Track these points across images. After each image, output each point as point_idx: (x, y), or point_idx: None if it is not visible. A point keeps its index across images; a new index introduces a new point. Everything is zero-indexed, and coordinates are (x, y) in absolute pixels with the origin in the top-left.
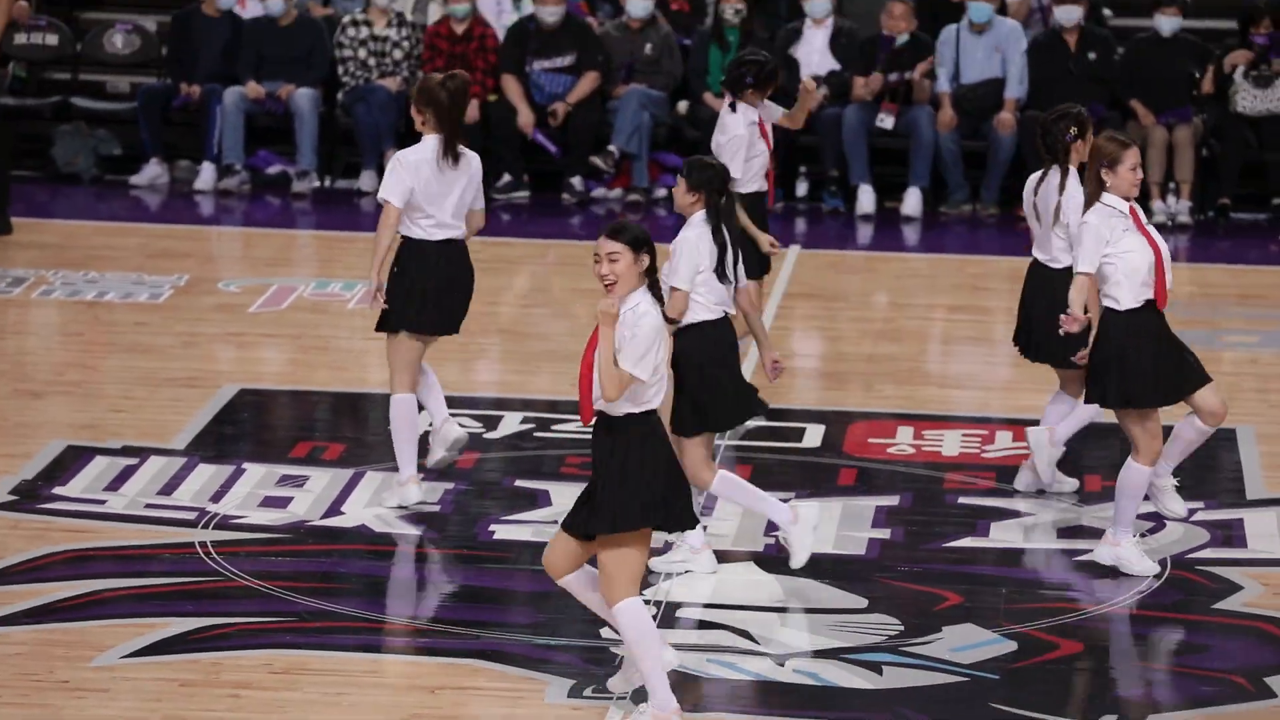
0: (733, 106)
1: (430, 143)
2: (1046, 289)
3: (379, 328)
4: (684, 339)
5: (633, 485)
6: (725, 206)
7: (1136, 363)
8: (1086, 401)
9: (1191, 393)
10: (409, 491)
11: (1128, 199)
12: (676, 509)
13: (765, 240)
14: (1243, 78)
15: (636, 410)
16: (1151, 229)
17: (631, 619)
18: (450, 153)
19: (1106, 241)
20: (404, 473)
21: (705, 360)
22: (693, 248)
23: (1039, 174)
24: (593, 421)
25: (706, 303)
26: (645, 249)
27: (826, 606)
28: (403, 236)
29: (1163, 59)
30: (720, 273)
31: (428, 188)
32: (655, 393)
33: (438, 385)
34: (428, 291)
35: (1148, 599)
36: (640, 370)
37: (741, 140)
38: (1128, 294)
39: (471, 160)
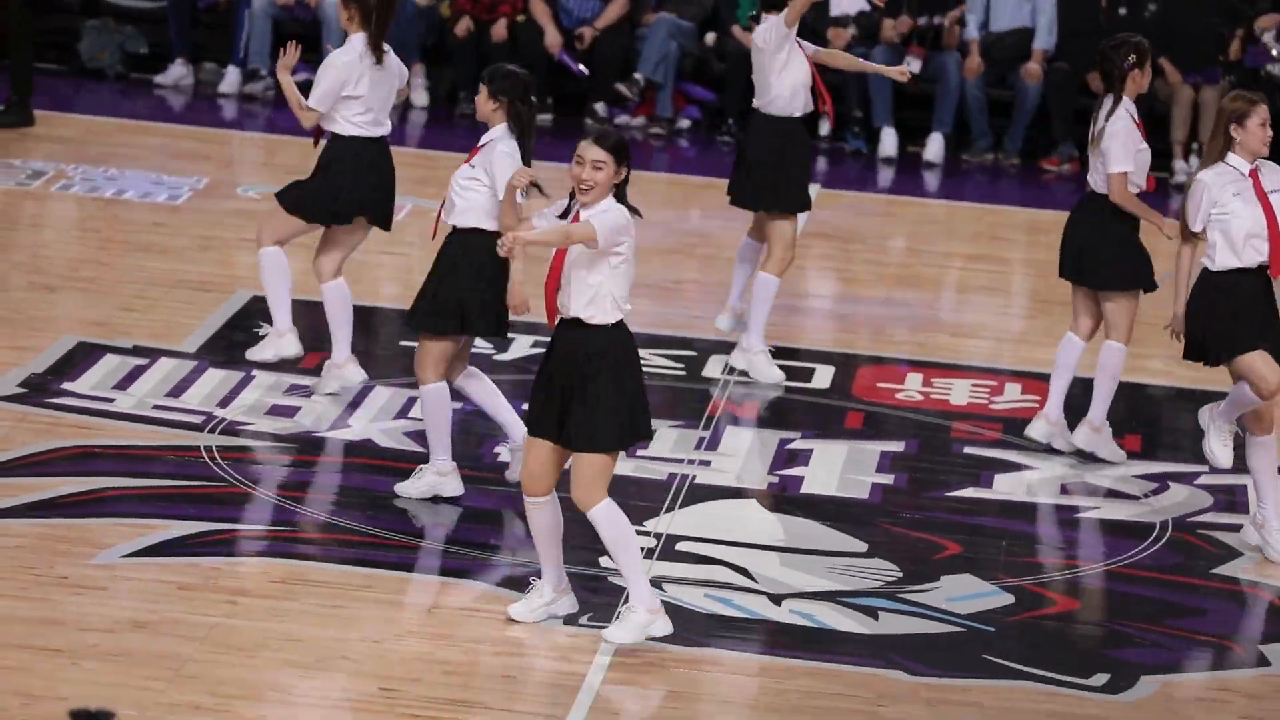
0: (757, 19)
1: (356, 41)
2: (1089, 214)
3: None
4: (472, 240)
5: (609, 405)
6: (527, 115)
7: (1244, 317)
8: (1190, 357)
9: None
10: (349, 372)
11: (1255, 157)
12: (642, 420)
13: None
14: (1275, 39)
15: (609, 321)
16: (1274, 198)
17: (609, 520)
18: (375, 52)
19: (1215, 202)
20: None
21: (483, 265)
22: (512, 160)
23: (1108, 101)
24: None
25: (494, 212)
26: (626, 161)
27: (826, 549)
28: (333, 134)
29: (1195, 17)
30: None
31: (360, 84)
32: (624, 300)
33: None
34: (354, 185)
35: (1147, 560)
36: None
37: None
38: (1228, 256)
39: (394, 62)
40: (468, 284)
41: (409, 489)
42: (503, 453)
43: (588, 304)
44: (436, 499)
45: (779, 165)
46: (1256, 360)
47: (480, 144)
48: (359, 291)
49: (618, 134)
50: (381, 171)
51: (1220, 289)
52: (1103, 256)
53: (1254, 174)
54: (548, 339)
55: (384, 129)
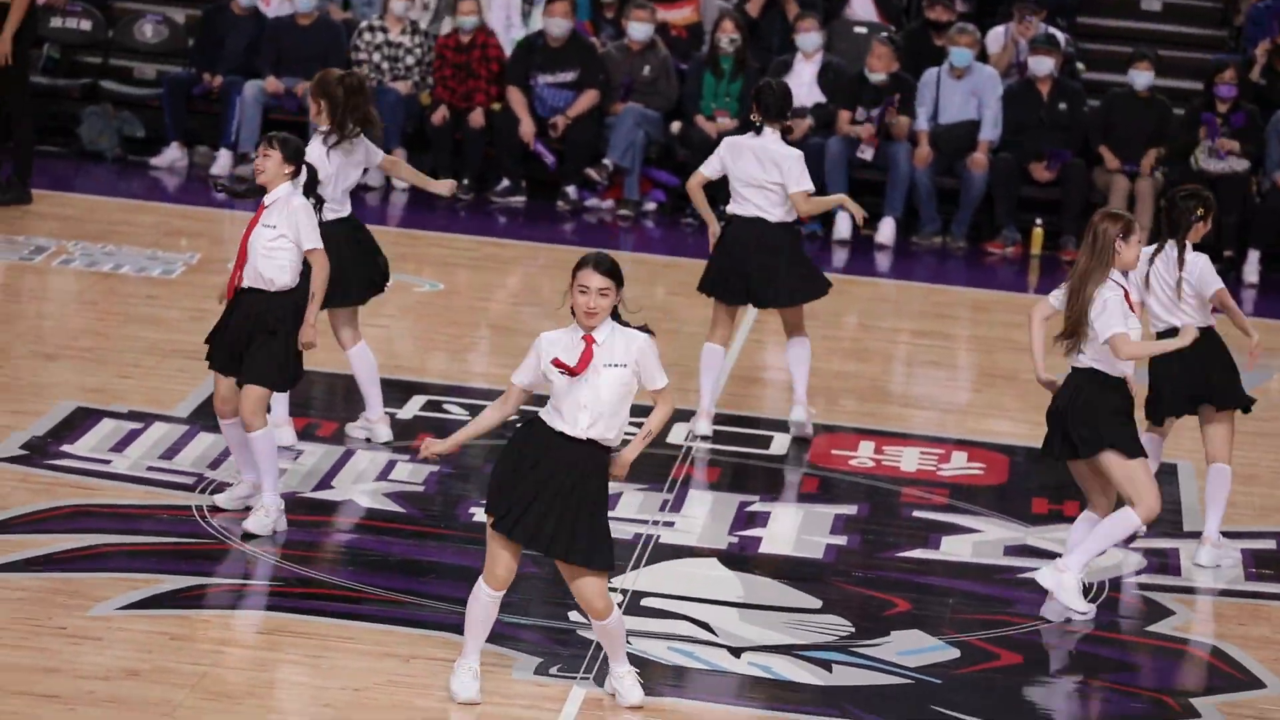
0: (758, 130)
1: (318, 139)
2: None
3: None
4: (287, 296)
5: (604, 521)
6: (310, 178)
7: (1128, 419)
8: (1060, 457)
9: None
10: (379, 430)
11: (1126, 273)
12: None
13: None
14: (1204, 139)
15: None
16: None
17: (619, 622)
18: (340, 141)
19: (1124, 315)
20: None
21: (297, 322)
22: (311, 212)
23: (1153, 248)
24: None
25: (297, 268)
26: (622, 282)
27: (783, 605)
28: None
29: (1134, 113)
30: None
31: (335, 174)
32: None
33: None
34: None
35: (1078, 617)
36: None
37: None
38: (1114, 364)
39: (362, 147)
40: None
41: (255, 527)
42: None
43: (617, 433)
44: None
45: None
46: (1138, 469)
47: (266, 204)
48: (343, 363)
49: (610, 258)
50: (362, 246)
51: (1112, 389)
52: (1223, 378)
53: (1125, 291)
54: (521, 408)
55: (344, 210)
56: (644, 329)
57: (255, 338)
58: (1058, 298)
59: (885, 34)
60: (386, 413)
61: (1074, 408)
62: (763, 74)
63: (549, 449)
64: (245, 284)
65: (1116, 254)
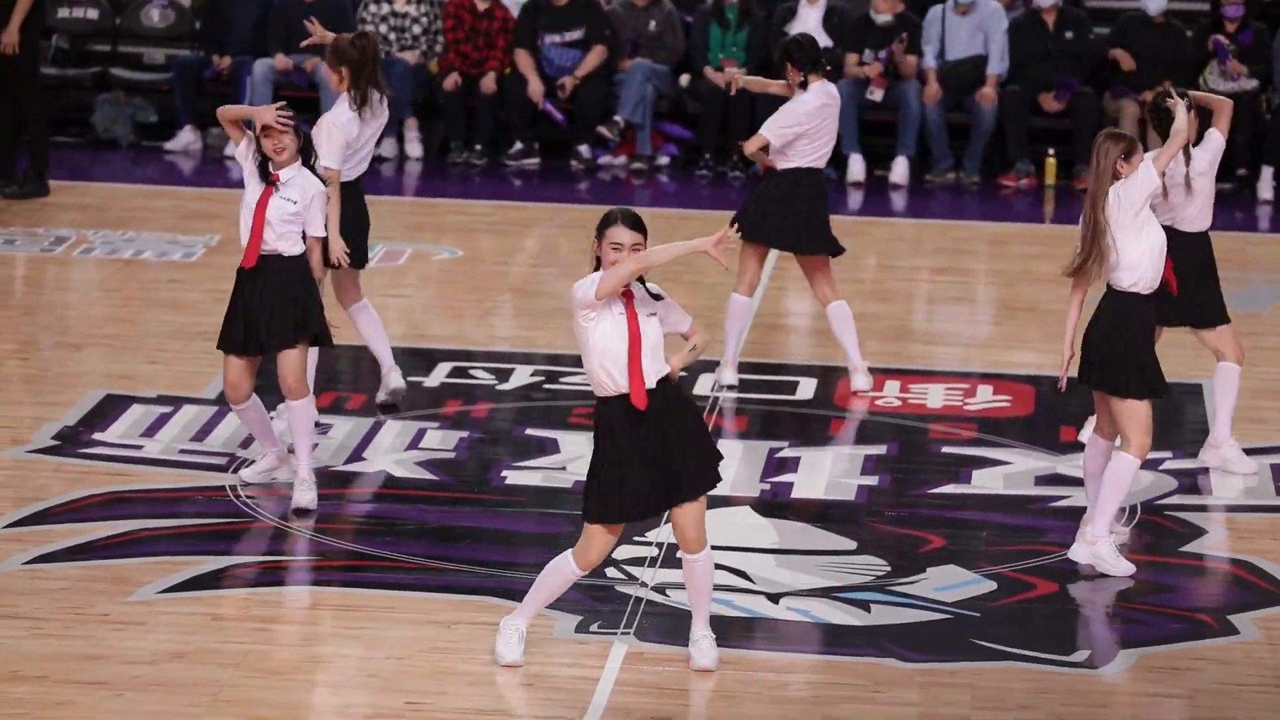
0: (804, 85)
1: (345, 100)
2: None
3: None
4: (303, 259)
5: (704, 443)
6: (306, 145)
7: (1143, 354)
8: (1084, 382)
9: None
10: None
11: None
12: None
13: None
14: (1214, 62)
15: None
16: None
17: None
18: (361, 106)
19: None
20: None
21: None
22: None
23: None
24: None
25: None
26: (646, 235)
27: (818, 548)
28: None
29: (1148, 38)
30: None
31: (357, 139)
32: None
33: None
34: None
35: (1119, 543)
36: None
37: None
38: (1130, 277)
39: (380, 110)
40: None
41: (306, 499)
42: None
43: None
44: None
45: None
46: (1139, 410)
47: (285, 180)
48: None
49: (635, 212)
50: (361, 215)
51: (1140, 313)
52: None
53: None
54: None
55: (362, 170)
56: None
57: (275, 306)
58: None
59: None
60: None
61: (1106, 344)
62: (768, 21)
63: (629, 422)
64: (268, 251)
65: (1120, 174)
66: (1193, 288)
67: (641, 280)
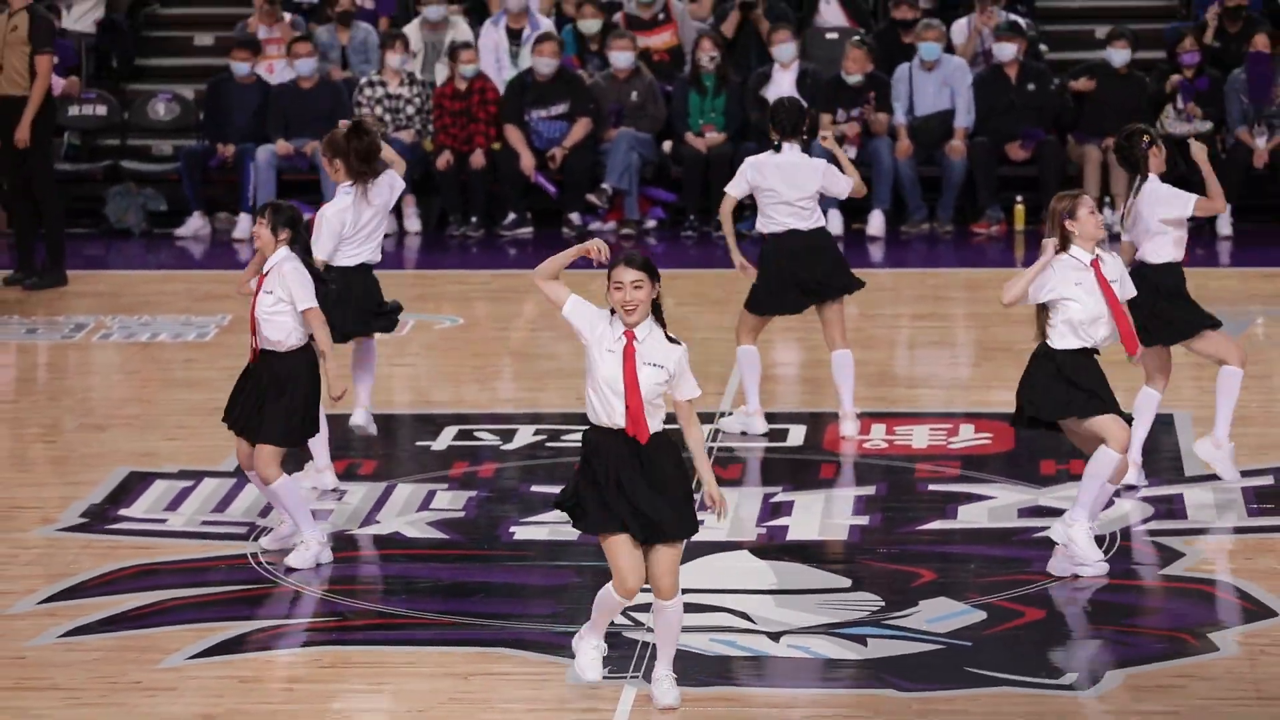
0: (777, 148)
1: (344, 190)
2: (1145, 282)
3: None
4: (299, 355)
5: (685, 492)
6: (303, 240)
7: (1071, 384)
8: (1020, 424)
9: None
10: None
11: (1094, 243)
12: None
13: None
14: (1170, 106)
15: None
16: (1115, 287)
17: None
18: (364, 193)
19: (1054, 289)
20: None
21: (310, 378)
22: (304, 274)
23: (1132, 192)
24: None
25: (300, 328)
26: (658, 278)
27: (814, 587)
28: (330, 266)
29: (1113, 88)
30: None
31: (353, 228)
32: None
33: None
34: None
35: (1096, 573)
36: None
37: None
38: (1062, 339)
39: (381, 189)
40: (308, 396)
41: (298, 562)
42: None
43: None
44: (319, 565)
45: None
46: (1100, 423)
47: (265, 271)
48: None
49: (642, 255)
50: (371, 292)
51: (1061, 363)
52: (1176, 313)
53: (1095, 264)
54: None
55: (373, 255)
56: (675, 340)
57: (268, 398)
58: None
59: (857, 37)
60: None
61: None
62: (743, 87)
63: (613, 452)
64: (262, 348)
65: (1070, 233)
66: (1165, 309)
67: (662, 323)
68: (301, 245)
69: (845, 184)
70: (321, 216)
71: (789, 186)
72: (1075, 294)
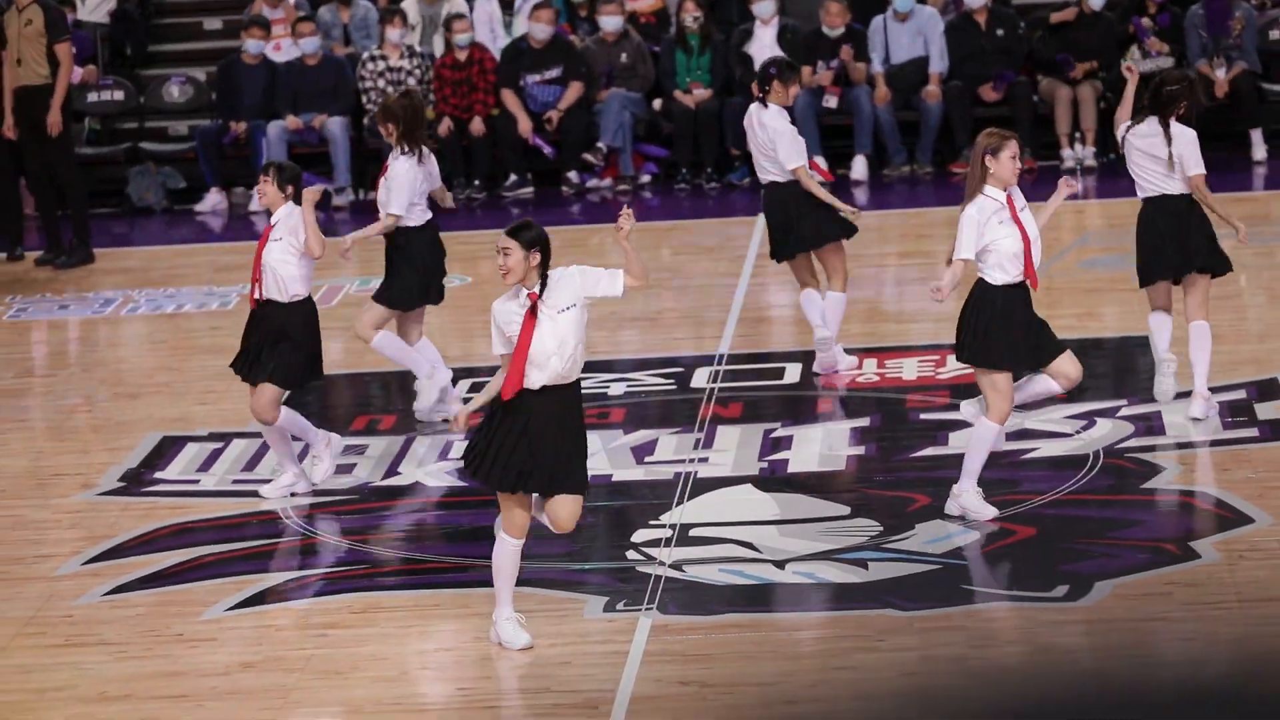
0: (763, 103)
1: (404, 155)
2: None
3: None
4: (299, 306)
5: (583, 446)
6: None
7: (1002, 332)
8: (958, 359)
9: (1049, 362)
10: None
11: (1007, 187)
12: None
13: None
14: (1135, 46)
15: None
16: (1025, 217)
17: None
18: (419, 154)
19: (982, 234)
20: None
21: (310, 327)
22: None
23: (1128, 124)
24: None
25: (306, 276)
26: (538, 248)
27: (815, 516)
28: (401, 229)
29: (1087, 28)
30: None
31: (420, 186)
32: None
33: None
34: (427, 269)
35: (1085, 485)
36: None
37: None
38: (999, 274)
39: (430, 159)
40: (310, 340)
41: (270, 490)
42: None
43: (579, 365)
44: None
45: (812, 213)
46: (1000, 380)
47: (272, 223)
48: (389, 362)
49: (523, 222)
50: (439, 252)
51: (994, 301)
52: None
53: (1009, 199)
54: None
55: (426, 214)
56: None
57: (273, 344)
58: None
59: None
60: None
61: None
62: (727, 43)
63: (532, 407)
64: (265, 297)
65: (987, 169)
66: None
67: (545, 280)
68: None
69: (790, 160)
70: (391, 177)
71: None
72: (1000, 231)
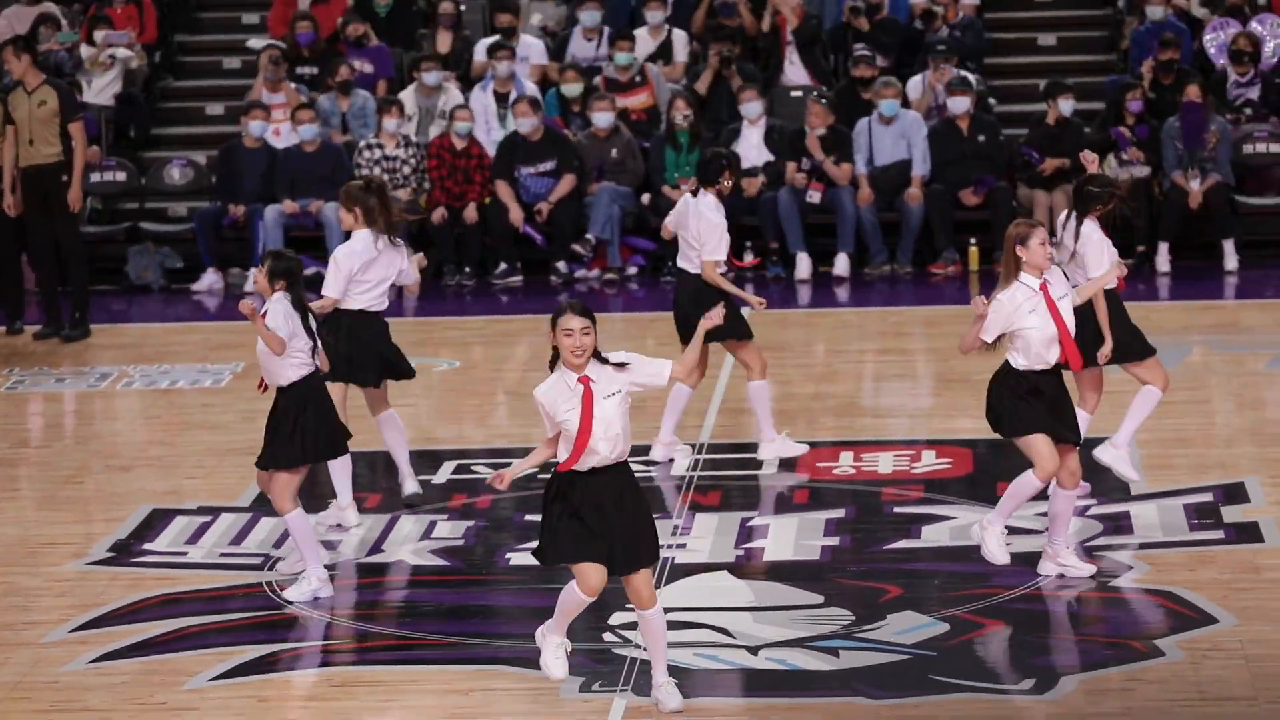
0: (695, 193)
1: (360, 235)
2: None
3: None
4: (297, 388)
5: (649, 521)
6: (297, 290)
7: (1029, 405)
8: (996, 431)
9: (1059, 441)
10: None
11: (1042, 273)
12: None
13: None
14: (1112, 155)
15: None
16: (1063, 305)
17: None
18: (379, 239)
19: (1011, 320)
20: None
21: (307, 407)
22: (282, 313)
23: (1062, 216)
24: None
25: (300, 360)
26: (594, 321)
27: (789, 604)
28: (340, 310)
29: (1057, 136)
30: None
31: (366, 270)
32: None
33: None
34: (361, 349)
35: (1054, 581)
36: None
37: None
38: (1022, 360)
39: (398, 250)
40: (304, 423)
41: (295, 595)
42: (408, 485)
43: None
44: (316, 599)
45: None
46: (1039, 442)
47: (263, 313)
48: (377, 441)
49: (582, 301)
50: (380, 339)
51: (1021, 380)
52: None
53: (1044, 287)
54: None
55: (382, 305)
56: (618, 363)
57: (268, 427)
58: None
59: (816, 93)
60: (422, 479)
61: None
62: (716, 141)
63: (589, 490)
64: (268, 383)
65: (1020, 259)
66: (1118, 330)
67: (602, 357)
68: (296, 296)
69: (711, 254)
70: (335, 256)
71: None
72: (1030, 321)
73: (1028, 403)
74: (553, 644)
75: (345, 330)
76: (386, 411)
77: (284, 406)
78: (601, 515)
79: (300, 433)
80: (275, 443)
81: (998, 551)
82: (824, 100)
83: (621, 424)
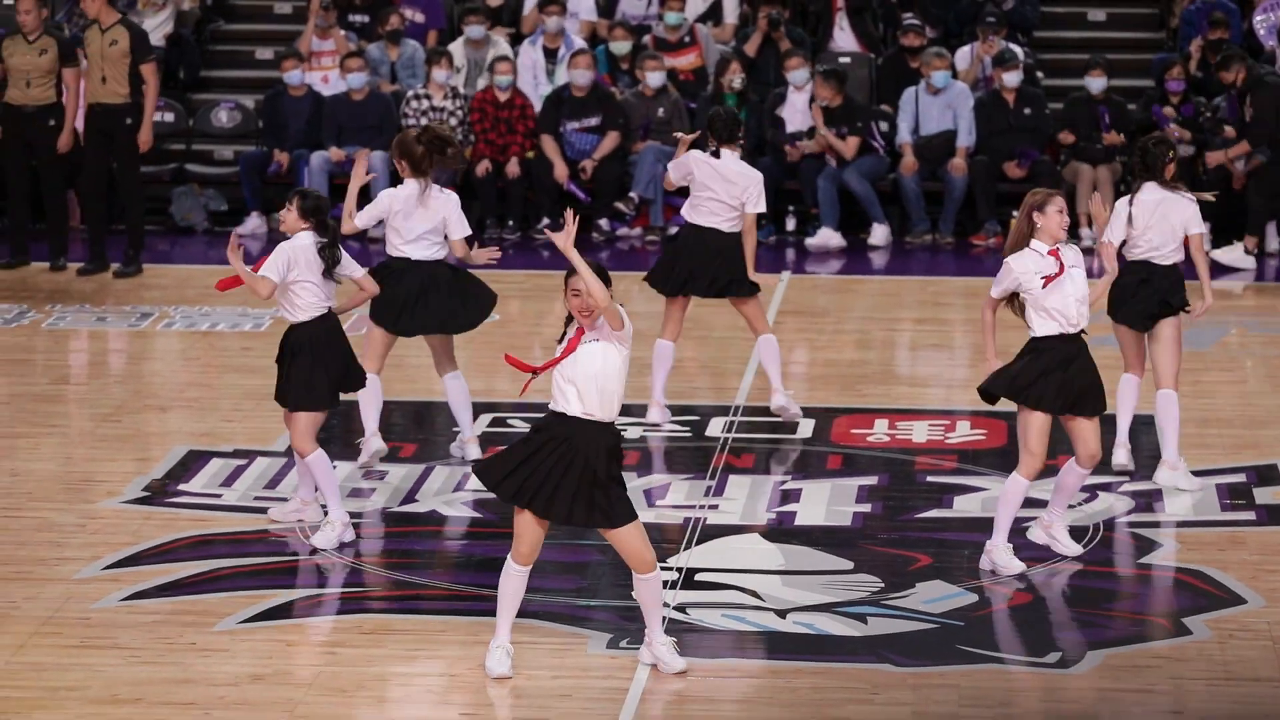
0: (716, 154)
1: (408, 184)
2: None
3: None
4: (312, 325)
5: (618, 483)
6: (333, 229)
7: (1046, 374)
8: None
9: (1076, 416)
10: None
11: (1055, 242)
12: None
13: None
14: (1175, 110)
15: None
16: (1075, 274)
17: (659, 582)
18: (423, 193)
19: (1018, 281)
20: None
21: (323, 346)
22: (288, 251)
23: (1129, 194)
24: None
25: (317, 301)
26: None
27: (819, 569)
28: (392, 258)
29: (1089, 113)
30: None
31: (406, 218)
32: None
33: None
34: (400, 299)
35: (1084, 557)
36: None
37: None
38: (1039, 326)
39: (438, 200)
40: (329, 361)
41: (322, 541)
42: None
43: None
44: (342, 545)
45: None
46: (1034, 427)
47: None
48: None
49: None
50: (430, 287)
51: (1040, 349)
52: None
53: (1054, 252)
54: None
55: (428, 254)
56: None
57: (283, 366)
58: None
59: (826, 69)
60: (455, 430)
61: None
62: (761, 105)
63: (556, 429)
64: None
65: (1035, 224)
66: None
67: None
68: (324, 234)
69: (755, 206)
70: (381, 194)
71: (722, 189)
72: (1036, 282)
73: (1046, 378)
74: (499, 648)
75: (391, 279)
76: (450, 372)
77: (294, 343)
78: (562, 467)
79: (324, 372)
80: (296, 383)
81: (1069, 544)
82: (833, 75)
83: (603, 370)
